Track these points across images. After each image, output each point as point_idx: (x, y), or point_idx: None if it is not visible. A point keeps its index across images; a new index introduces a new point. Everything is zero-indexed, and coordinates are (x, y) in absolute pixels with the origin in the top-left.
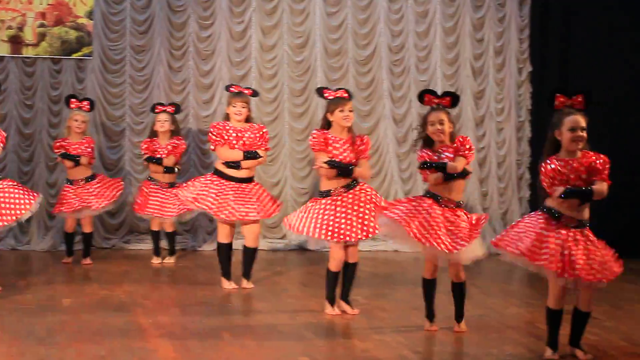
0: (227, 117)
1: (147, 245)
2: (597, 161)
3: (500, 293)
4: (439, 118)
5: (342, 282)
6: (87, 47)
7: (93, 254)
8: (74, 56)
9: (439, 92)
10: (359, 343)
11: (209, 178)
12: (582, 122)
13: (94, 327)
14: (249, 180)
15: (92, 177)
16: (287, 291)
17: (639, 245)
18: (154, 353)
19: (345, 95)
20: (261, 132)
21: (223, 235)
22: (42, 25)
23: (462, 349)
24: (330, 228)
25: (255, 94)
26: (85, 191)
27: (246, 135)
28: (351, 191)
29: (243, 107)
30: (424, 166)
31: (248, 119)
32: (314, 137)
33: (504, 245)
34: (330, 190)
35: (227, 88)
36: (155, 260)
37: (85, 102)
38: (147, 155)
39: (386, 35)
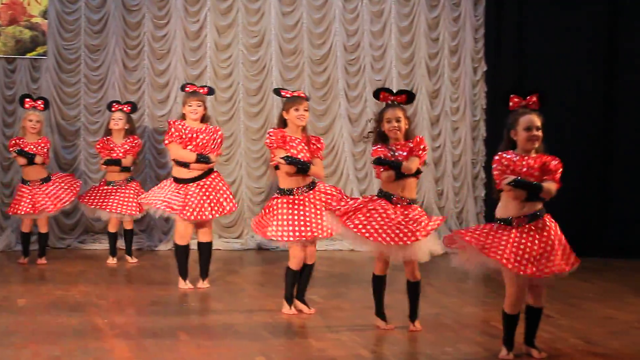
0: (183, 117)
1: (102, 245)
2: (552, 162)
3: (456, 292)
4: (395, 115)
5: (298, 282)
6: (41, 46)
7: (48, 254)
8: (29, 56)
9: (395, 91)
10: (315, 342)
11: (170, 184)
12: (537, 121)
13: (49, 328)
14: (206, 174)
15: (48, 179)
16: (244, 291)
17: (591, 244)
18: (110, 353)
19: (302, 95)
20: (216, 135)
21: (181, 236)
22: None
23: (418, 348)
24: (291, 228)
25: (211, 92)
26: (41, 192)
27: (200, 136)
28: (311, 191)
29: (199, 106)
30: (379, 162)
31: (204, 119)
32: (271, 135)
33: (461, 236)
34: (293, 189)
35: (183, 87)
36: (111, 261)
37: (39, 102)
38: (106, 158)
39: (341, 35)
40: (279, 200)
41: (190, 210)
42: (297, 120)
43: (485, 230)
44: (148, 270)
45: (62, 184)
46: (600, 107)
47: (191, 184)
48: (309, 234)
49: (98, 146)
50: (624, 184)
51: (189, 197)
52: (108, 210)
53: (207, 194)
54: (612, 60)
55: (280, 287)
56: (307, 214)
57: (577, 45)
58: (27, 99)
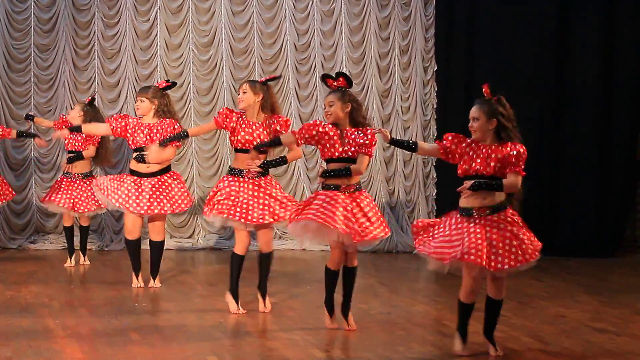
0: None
1: (53, 246)
2: (512, 152)
3: (407, 291)
4: (328, 100)
5: (259, 273)
6: None
7: None
8: None
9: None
10: (267, 342)
11: (126, 177)
12: (473, 112)
13: (0, 328)
14: (162, 172)
15: None
16: (195, 291)
17: (542, 243)
18: (61, 354)
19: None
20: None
21: (129, 231)
22: None
23: (370, 348)
24: (221, 206)
25: (171, 85)
26: None
27: (154, 131)
28: (263, 178)
29: (142, 102)
30: (327, 175)
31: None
32: (220, 113)
33: (417, 248)
34: (244, 171)
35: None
36: (69, 263)
37: None
38: (69, 152)
39: (292, 34)
40: (225, 178)
41: (141, 204)
42: (239, 103)
43: (440, 229)
44: (100, 270)
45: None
46: (549, 106)
47: (146, 178)
48: (242, 218)
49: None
50: (573, 183)
51: (141, 190)
52: (62, 205)
53: (160, 189)
54: (562, 58)
55: (227, 286)
56: (250, 198)
57: (527, 43)
58: None
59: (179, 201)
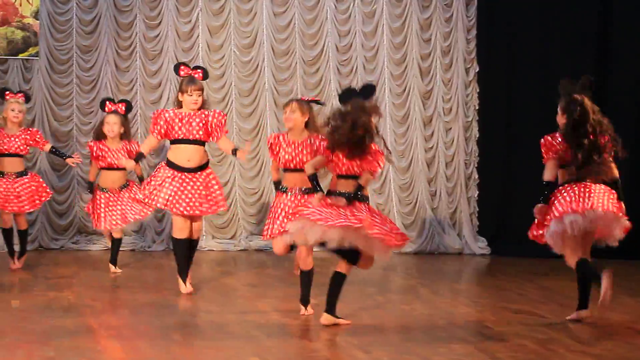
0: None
1: (96, 247)
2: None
3: (449, 292)
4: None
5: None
6: (33, 47)
7: (41, 252)
8: (21, 56)
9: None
10: (309, 343)
11: (163, 172)
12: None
13: (42, 328)
14: (201, 168)
15: (24, 173)
16: (237, 291)
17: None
18: (103, 354)
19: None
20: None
21: (179, 229)
22: None
23: (412, 349)
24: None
25: (205, 75)
26: (13, 189)
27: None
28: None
29: (199, 96)
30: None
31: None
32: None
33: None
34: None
35: (176, 69)
36: (114, 269)
37: (19, 94)
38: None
39: (334, 35)
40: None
41: (183, 204)
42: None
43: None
44: (142, 272)
45: (36, 185)
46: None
47: (187, 174)
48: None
49: (91, 147)
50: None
51: (184, 189)
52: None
53: (202, 188)
54: (604, 60)
55: (273, 289)
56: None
57: (568, 42)
58: (8, 92)
59: (221, 202)
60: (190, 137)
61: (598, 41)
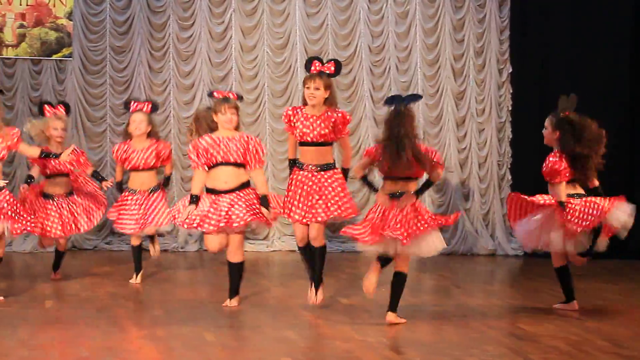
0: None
1: (129, 247)
2: None
3: (482, 293)
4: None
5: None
6: (67, 48)
7: (74, 253)
8: (54, 57)
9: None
10: (342, 344)
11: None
12: None
13: (76, 329)
14: (240, 187)
15: (71, 193)
16: (270, 292)
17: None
18: (137, 354)
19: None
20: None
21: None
22: (21, 26)
23: (445, 350)
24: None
25: (240, 97)
26: (66, 211)
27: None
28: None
29: (233, 114)
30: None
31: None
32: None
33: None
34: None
35: (210, 94)
36: (134, 280)
37: (60, 107)
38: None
39: (366, 36)
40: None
41: (209, 221)
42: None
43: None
44: (175, 272)
45: (88, 201)
46: (624, 110)
47: (225, 194)
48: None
49: (116, 152)
50: None
51: (216, 207)
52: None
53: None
54: (638, 64)
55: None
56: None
57: (602, 43)
58: (47, 105)
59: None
60: (231, 159)
61: (631, 40)
